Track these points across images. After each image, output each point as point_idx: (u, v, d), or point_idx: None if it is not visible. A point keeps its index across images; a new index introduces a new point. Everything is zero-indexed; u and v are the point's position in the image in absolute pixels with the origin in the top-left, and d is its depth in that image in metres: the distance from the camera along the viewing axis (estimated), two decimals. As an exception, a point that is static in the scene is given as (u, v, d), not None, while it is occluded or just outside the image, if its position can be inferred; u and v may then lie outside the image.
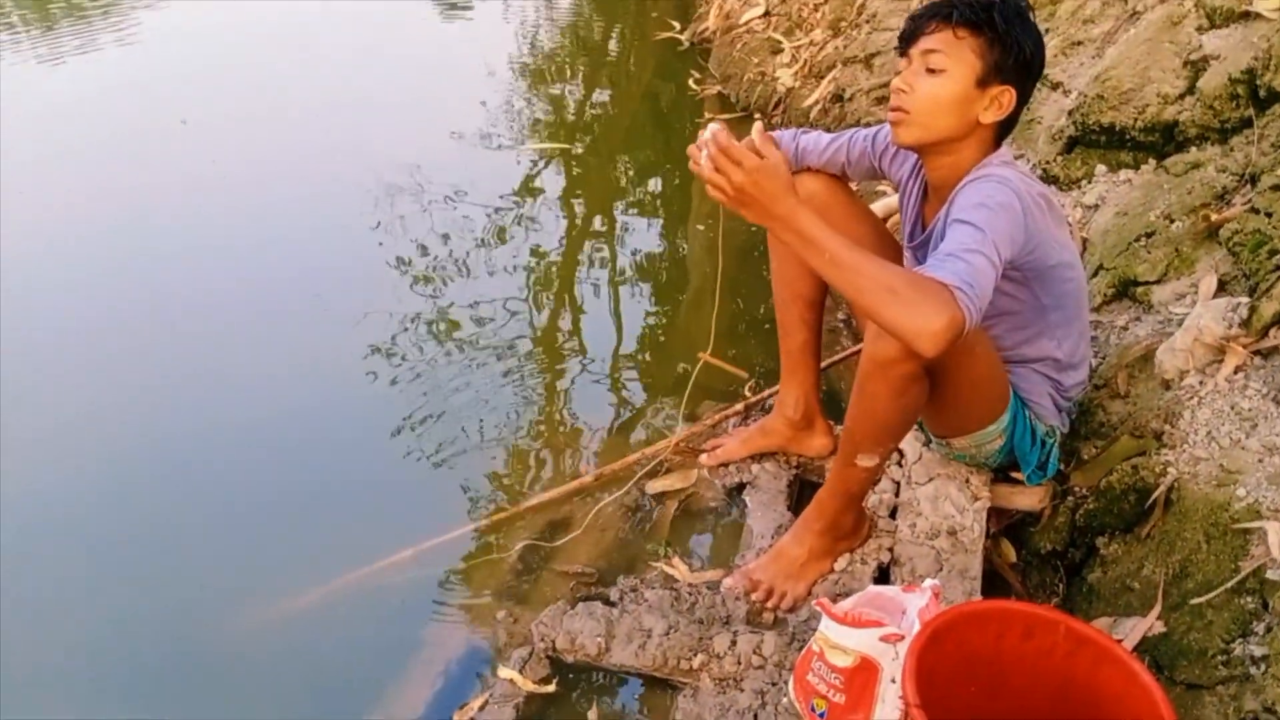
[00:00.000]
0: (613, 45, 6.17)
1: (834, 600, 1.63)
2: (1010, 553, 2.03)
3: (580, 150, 4.46)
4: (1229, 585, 1.56)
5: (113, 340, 3.03)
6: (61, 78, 5.65)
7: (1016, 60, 1.67)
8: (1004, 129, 1.76)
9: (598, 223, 3.86)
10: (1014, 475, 2.05)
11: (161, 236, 3.68)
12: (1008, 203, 1.63)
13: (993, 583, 1.96)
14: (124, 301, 3.26)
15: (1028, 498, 2.04)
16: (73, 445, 2.60)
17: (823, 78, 4.16)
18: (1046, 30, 3.18)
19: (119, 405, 2.73)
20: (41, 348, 3.00)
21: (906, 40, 1.74)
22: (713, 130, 1.53)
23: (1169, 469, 1.79)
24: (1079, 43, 2.98)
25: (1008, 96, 1.70)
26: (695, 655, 1.81)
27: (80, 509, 2.39)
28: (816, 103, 4.06)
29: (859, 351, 1.78)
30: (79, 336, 3.06)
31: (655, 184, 4.16)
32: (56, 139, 4.63)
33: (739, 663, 1.79)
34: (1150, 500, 1.77)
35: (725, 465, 2.31)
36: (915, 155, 1.89)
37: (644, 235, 3.73)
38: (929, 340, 1.45)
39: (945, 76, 1.69)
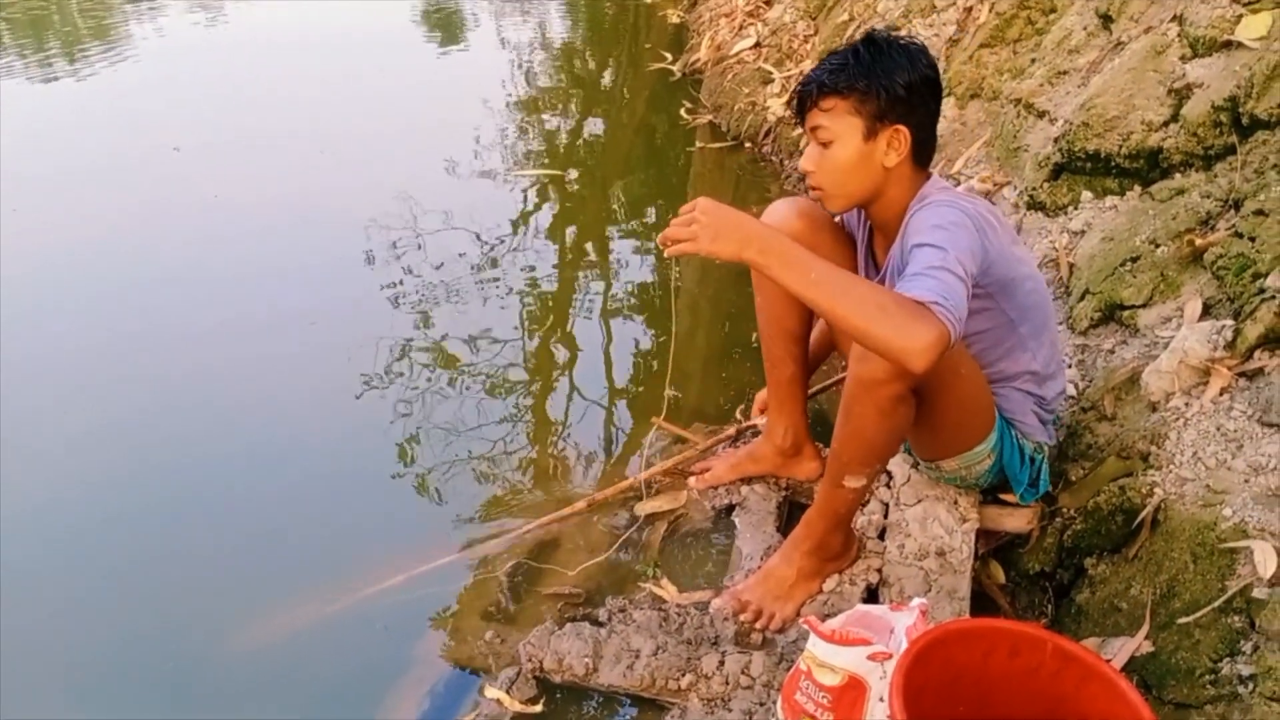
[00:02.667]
0: (606, 76, 6.23)
1: (822, 619, 1.63)
2: (999, 574, 2.03)
3: (573, 179, 4.49)
4: (1216, 605, 1.57)
5: (104, 365, 3.04)
6: (54, 101, 5.69)
7: (890, 100, 1.70)
8: (920, 158, 1.78)
9: (590, 251, 3.87)
10: (1003, 497, 2.05)
11: (152, 263, 3.69)
12: (960, 220, 1.64)
13: (981, 603, 1.95)
14: (115, 327, 3.26)
15: (1016, 519, 2.04)
16: (66, 471, 2.59)
17: (813, 107, 4.20)
18: (1032, 60, 3.23)
19: (111, 431, 2.72)
20: (35, 372, 3.00)
21: (798, 119, 1.80)
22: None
23: (1156, 490, 1.80)
24: (1064, 72, 3.02)
25: (900, 135, 1.73)
26: (683, 675, 1.81)
27: (74, 534, 2.38)
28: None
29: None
30: (70, 360, 3.06)
31: (648, 212, 4.18)
32: (54, 162, 4.66)
33: (727, 683, 1.78)
34: (1137, 521, 1.78)
35: (714, 487, 2.31)
36: None
37: (636, 263, 3.75)
38: (918, 356, 1.45)
39: (836, 146, 1.74)
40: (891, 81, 1.68)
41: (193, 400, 2.86)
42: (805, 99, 1.76)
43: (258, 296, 3.45)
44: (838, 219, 2.06)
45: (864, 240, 1.99)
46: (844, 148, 1.73)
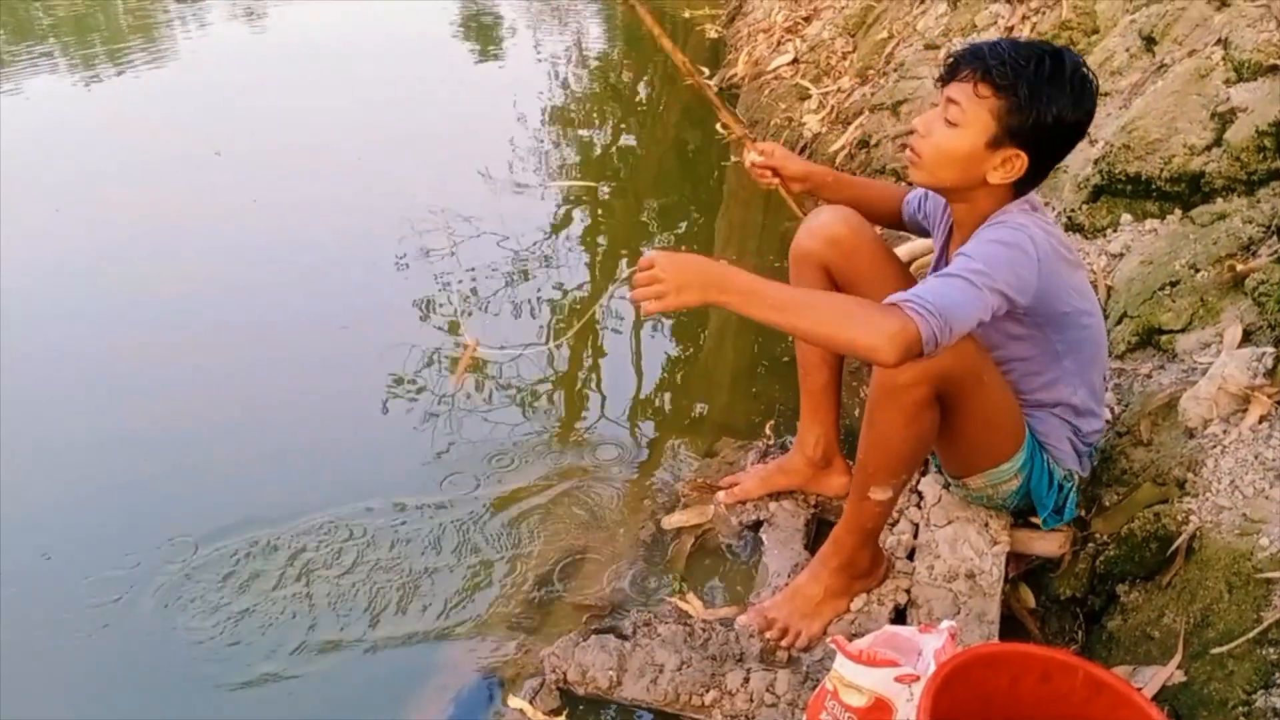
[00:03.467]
0: (641, 90, 6.25)
1: (849, 639, 1.62)
2: (1029, 598, 2.01)
3: (606, 192, 4.51)
4: (1251, 635, 1.54)
5: (138, 368, 3.07)
6: (98, 102, 5.79)
7: (1036, 127, 1.64)
8: (1023, 186, 1.74)
9: (623, 263, 3.88)
10: (1033, 520, 2.03)
11: (189, 266, 3.73)
12: (1016, 242, 1.65)
13: (1011, 628, 1.93)
14: (148, 328, 3.30)
15: (1048, 543, 2.02)
16: (96, 465, 2.63)
17: (849, 124, 4.20)
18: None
19: (138, 429, 2.76)
20: (68, 370, 3.04)
21: (945, 78, 1.73)
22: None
23: (1191, 517, 1.77)
24: (1106, 94, 2.99)
25: (1019, 162, 1.68)
26: (708, 692, 1.80)
27: (113, 530, 2.41)
28: (843, 148, 4.09)
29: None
30: (101, 360, 3.10)
31: (680, 226, 4.18)
32: (97, 164, 4.74)
33: (751, 700, 1.77)
34: (1172, 548, 1.75)
35: (742, 503, 2.30)
36: None
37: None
38: (884, 349, 1.51)
39: (958, 131, 1.69)
40: (1047, 109, 1.62)
41: (223, 399, 2.89)
42: (963, 67, 1.68)
43: (291, 301, 3.49)
44: (916, 213, 2.08)
45: (944, 234, 1.97)
46: (963, 139, 1.68)
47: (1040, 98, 1.62)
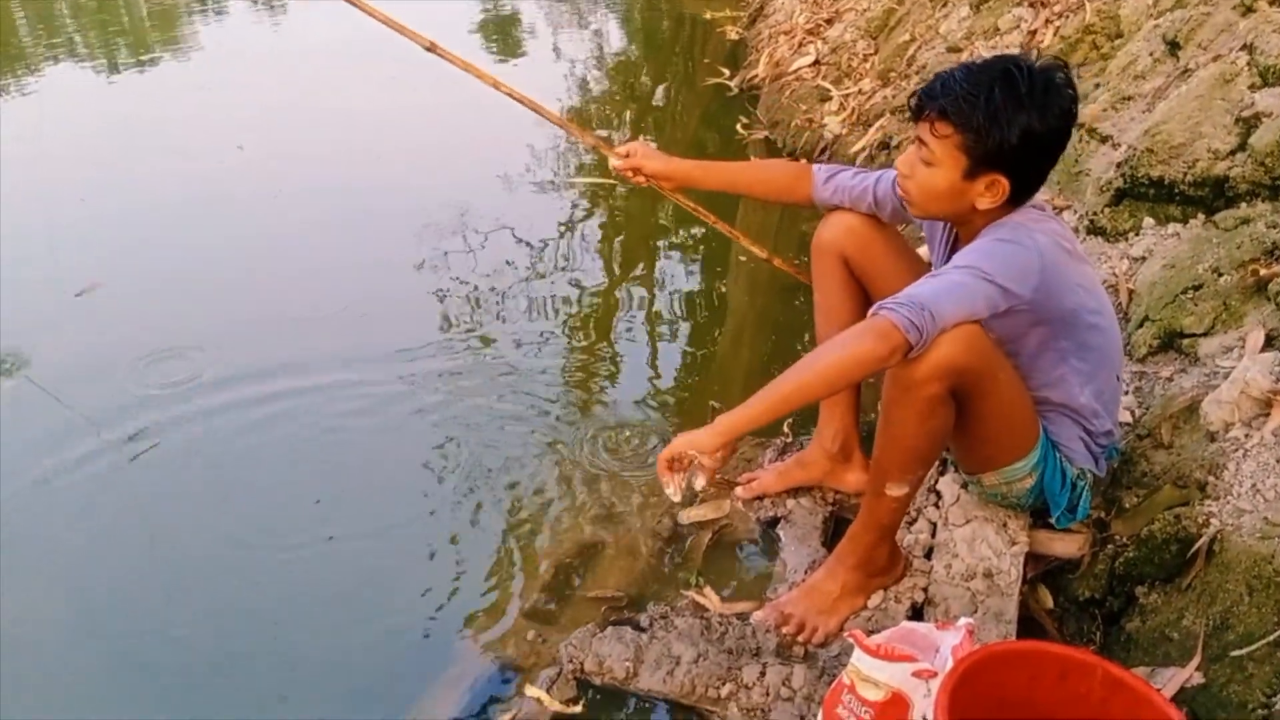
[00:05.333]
0: (660, 91, 6.25)
1: (866, 635, 1.62)
2: (1047, 599, 2.00)
3: (624, 191, 4.51)
4: (1271, 638, 1.54)
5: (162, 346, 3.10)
6: (122, 96, 5.84)
7: (1004, 150, 1.64)
8: (1017, 199, 1.74)
9: (639, 262, 3.88)
10: (1049, 520, 2.02)
11: (213, 254, 3.77)
12: (1014, 238, 1.69)
13: (1028, 628, 1.93)
14: (173, 318, 3.33)
15: (1067, 544, 2.01)
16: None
17: (870, 125, 4.20)
18: (1096, 85, 3.20)
19: (161, 411, 2.79)
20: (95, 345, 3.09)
21: (912, 117, 1.76)
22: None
23: (1212, 520, 1.76)
24: (1129, 98, 2.99)
25: (1001, 184, 1.69)
26: (724, 684, 1.80)
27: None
28: (863, 150, 4.09)
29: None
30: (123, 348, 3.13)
31: (698, 228, 4.18)
32: (121, 157, 4.78)
33: (767, 694, 1.78)
34: (1192, 550, 1.75)
35: (760, 498, 2.30)
36: None
37: (683, 275, 3.75)
38: (872, 348, 1.58)
39: (933, 171, 1.72)
40: (1009, 133, 1.62)
41: (242, 377, 2.93)
42: (922, 107, 1.71)
43: (312, 290, 3.50)
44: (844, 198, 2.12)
45: (947, 241, 1.99)
46: (941, 176, 1.72)
47: (999, 122, 1.63)
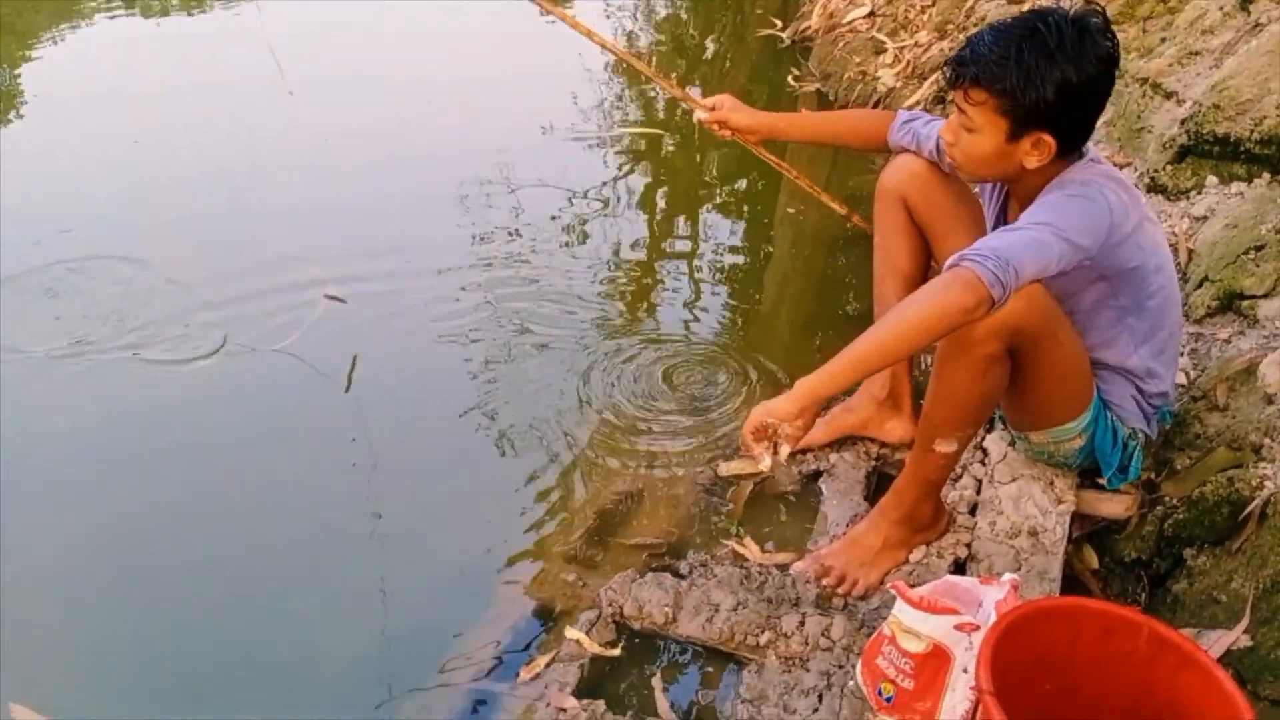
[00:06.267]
0: (710, 43, 6.16)
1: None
2: (1092, 559, 1.98)
3: (671, 144, 4.47)
4: (1323, 603, 1.51)
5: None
6: (177, 41, 5.87)
7: (1043, 106, 1.60)
8: (1066, 152, 1.70)
9: (681, 218, 3.85)
10: (1099, 480, 2.00)
11: (264, 196, 3.81)
12: (1082, 194, 1.65)
13: (1072, 588, 1.91)
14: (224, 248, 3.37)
15: (1114, 505, 1.99)
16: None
17: (925, 79, 4.11)
18: (1162, 39, 3.10)
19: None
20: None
21: (950, 85, 1.72)
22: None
23: (1266, 483, 1.73)
24: (1196, 53, 2.90)
25: (1046, 143, 1.66)
26: (762, 633, 1.81)
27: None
28: (918, 103, 4.01)
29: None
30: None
31: (741, 182, 4.14)
32: (177, 101, 4.81)
33: (806, 643, 1.78)
34: (1244, 513, 1.72)
35: (805, 451, 2.29)
36: None
37: (728, 230, 3.72)
38: (959, 300, 1.52)
39: (977, 135, 1.69)
40: (1045, 90, 1.59)
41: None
42: (956, 77, 1.68)
43: (359, 234, 3.52)
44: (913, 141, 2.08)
45: (998, 199, 1.96)
46: (984, 142, 1.69)
47: (1033, 81, 1.59)
